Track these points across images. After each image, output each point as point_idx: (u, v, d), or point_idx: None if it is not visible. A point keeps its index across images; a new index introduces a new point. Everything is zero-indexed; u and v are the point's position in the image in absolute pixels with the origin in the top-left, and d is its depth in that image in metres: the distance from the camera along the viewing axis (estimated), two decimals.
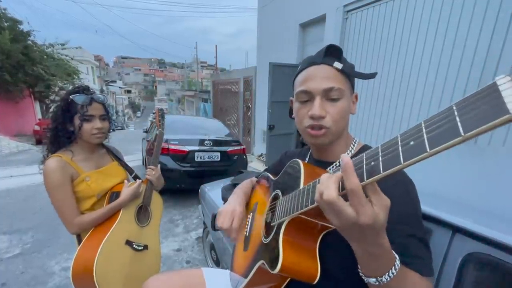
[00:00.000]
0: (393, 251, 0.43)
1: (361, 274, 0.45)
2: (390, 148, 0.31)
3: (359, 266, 0.44)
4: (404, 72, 2.95)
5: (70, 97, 1.03)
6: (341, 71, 0.59)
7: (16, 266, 2.23)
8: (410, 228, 0.50)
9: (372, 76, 0.61)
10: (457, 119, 0.25)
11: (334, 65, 0.58)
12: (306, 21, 4.53)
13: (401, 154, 0.29)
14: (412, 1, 2.82)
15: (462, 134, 0.24)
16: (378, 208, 0.36)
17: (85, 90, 1.08)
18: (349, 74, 0.60)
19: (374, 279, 0.42)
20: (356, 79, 0.63)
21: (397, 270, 0.42)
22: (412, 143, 0.29)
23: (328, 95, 0.58)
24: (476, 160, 1.29)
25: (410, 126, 0.31)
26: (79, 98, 1.03)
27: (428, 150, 0.27)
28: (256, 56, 6.47)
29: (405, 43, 2.92)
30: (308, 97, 0.60)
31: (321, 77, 0.58)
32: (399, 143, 0.30)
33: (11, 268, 2.19)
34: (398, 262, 0.43)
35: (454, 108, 0.26)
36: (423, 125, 0.29)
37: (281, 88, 4.26)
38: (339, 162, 0.64)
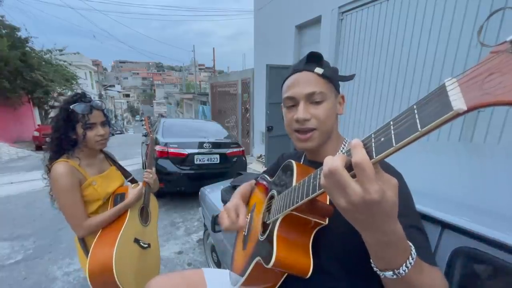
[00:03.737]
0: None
1: (375, 269, 0.42)
2: (368, 143, 0.35)
3: (372, 259, 0.42)
4: (400, 71, 2.98)
5: (70, 107, 1.04)
6: (322, 75, 0.62)
7: (18, 272, 2.24)
8: (409, 219, 0.51)
9: (351, 77, 0.65)
10: (416, 116, 0.29)
11: (315, 70, 0.62)
12: (302, 22, 4.57)
13: (373, 149, 0.33)
14: (406, 1, 2.86)
15: (419, 129, 0.28)
16: (385, 186, 0.34)
17: (82, 97, 1.09)
18: (330, 77, 0.64)
19: (390, 273, 0.39)
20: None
21: (414, 259, 0.39)
22: (382, 139, 0.32)
23: (311, 99, 0.62)
24: (472, 157, 1.32)
25: None
26: (79, 108, 1.04)
27: (394, 144, 0.30)
28: (254, 58, 6.51)
29: (400, 42, 2.96)
30: (293, 102, 0.64)
31: (303, 82, 0.62)
32: (373, 140, 0.34)
33: (14, 274, 2.21)
34: (414, 250, 0.40)
35: (415, 107, 0.30)
36: (391, 123, 0.32)
37: (279, 89, 4.20)
38: None
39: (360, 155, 0.33)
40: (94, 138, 1.08)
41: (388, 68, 3.11)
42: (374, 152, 0.33)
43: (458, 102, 0.25)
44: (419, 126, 0.28)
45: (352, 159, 0.33)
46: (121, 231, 1.09)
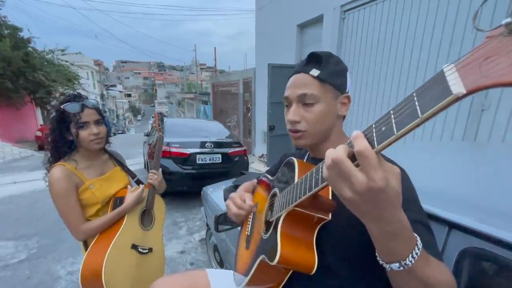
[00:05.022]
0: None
1: (381, 262, 0.42)
2: (369, 134, 0.35)
3: (377, 252, 0.42)
4: (403, 69, 2.97)
5: (62, 107, 1.02)
6: (317, 77, 0.62)
7: (22, 271, 2.26)
8: (414, 214, 0.50)
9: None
10: (416, 103, 0.29)
11: (310, 72, 0.62)
12: (304, 21, 4.56)
13: (375, 139, 0.33)
14: (408, 0, 2.84)
15: (420, 115, 0.28)
16: (389, 174, 0.34)
17: (76, 97, 1.07)
18: (327, 79, 0.63)
19: (397, 264, 0.39)
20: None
21: (420, 249, 0.39)
22: (383, 128, 0.33)
23: (303, 100, 0.63)
24: (476, 156, 1.30)
25: None
26: (70, 107, 1.02)
27: (395, 132, 0.30)
28: (255, 57, 6.50)
29: (402, 41, 2.94)
30: (287, 102, 0.66)
31: (297, 84, 0.64)
32: (374, 130, 0.34)
33: (18, 274, 2.22)
34: (419, 241, 0.40)
35: (414, 94, 0.30)
36: (391, 112, 0.32)
37: (280, 89, 4.23)
38: None
39: (362, 144, 0.33)
40: (87, 137, 1.05)
41: (391, 67, 3.09)
42: (375, 142, 0.33)
43: (457, 86, 0.26)
44: (419, 113, 0.28)
45: (355, 148, 0.33)
46: (115, 238, 1.07)
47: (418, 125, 0.29)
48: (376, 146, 0.33)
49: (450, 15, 2.48)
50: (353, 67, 3.63)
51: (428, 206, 0.69)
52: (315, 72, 0.62)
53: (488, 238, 0.56)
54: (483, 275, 0.60)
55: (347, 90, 0.66)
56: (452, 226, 0.63)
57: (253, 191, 0.94)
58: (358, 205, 0.36)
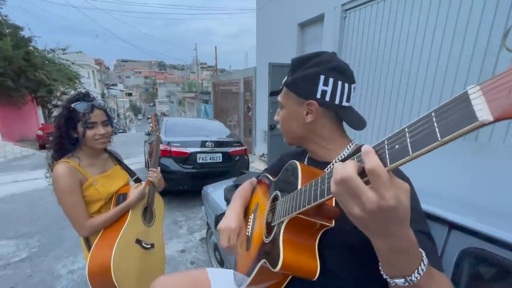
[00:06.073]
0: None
1: (385, 276, 0.41)
2: (381, 150, 0.33)
3: (381, 267, 0.41)
4: (404, 69, 2.96)
5: (72, 105, 1.04)
6: (283, 85, 0.68)
7: (23, 270, 2.27)
8: (417, 224, 0.49)
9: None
10: (435, 124, 0.27)
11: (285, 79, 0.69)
12: (305, 20, 4.55)
13: (387, 156, 0.32)
14: None
15: (439, 139, 0.26)
16: (399, 191, 0.33)
17: (85, 97, 1.09)
18: (287, 87, 0.67)
19: (402, 280, 0.38)
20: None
21: (426, 265, 0.39)
22: (397, 146, 0.31)
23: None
24: (477, 157, 1.30)
25: None
26: (80, 106, 1.04)
27: (411, 153, 0.29)
28: (256, 56, 6.49)
29: (404, 40, 2.93)
30: None
31: None
32: (386, 147, 0.33)
33: (19, 272, 2.23)
34: (425, 256, 0.40)
35: (433, 114, 0.28)
36: (406, 130, 0.31)
37: None
38: (333, 164, 0.65)
39: (374, 161, 0.32)
40: (93, 137, 1.07)
41: (392, 67, 3.08)
42: (388, 159, 0.32)
43: (483, 112, 0.23)
44: (438, 136, 0.26)
45: (366, 165, 0.32)
46: (121, 232, 1.09)
47: (436, 147, 0.27)
48: (388, 164, 0.32)
49: (451, 14, 2.47)
50: (353, 67, 3.61)
51: (428, 206, 0.68)
52: (285, 79, 0.67)
53: (488, 239, 0.56)
54: (483, 275, 0.60)
55: (317, 96, 0.61)
56: (452, 226, 0.63)
57: (252, 191, 0.94)
58: (367, 223, 0.35)
